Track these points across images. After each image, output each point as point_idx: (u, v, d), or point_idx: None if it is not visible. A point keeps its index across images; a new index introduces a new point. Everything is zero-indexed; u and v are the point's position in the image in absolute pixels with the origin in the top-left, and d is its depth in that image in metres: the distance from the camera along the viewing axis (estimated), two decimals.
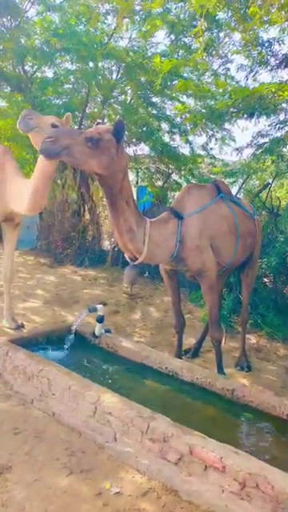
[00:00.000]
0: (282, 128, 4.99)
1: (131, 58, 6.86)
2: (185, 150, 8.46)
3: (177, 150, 8.59)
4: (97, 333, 3.80)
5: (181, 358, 3.92)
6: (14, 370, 3.15)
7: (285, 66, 4.70)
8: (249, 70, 4.97)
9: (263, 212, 6.14)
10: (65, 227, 8.39)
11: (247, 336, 4.96)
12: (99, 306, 3.76)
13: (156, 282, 7.14)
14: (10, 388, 3.18)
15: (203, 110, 5.08)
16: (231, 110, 3.98)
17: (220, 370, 3.68)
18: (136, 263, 3.18)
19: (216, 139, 8.22)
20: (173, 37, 5.87)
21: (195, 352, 4.50)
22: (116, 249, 8.14)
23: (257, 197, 6.19)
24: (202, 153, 8.25)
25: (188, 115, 5.66)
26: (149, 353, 3.46)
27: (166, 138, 8.86)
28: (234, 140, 7.99)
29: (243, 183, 5.90)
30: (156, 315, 5.67)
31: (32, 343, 3.60)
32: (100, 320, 3.77)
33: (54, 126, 3.47)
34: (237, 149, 6.10)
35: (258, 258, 4.39)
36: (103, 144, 2.69)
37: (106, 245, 8.73)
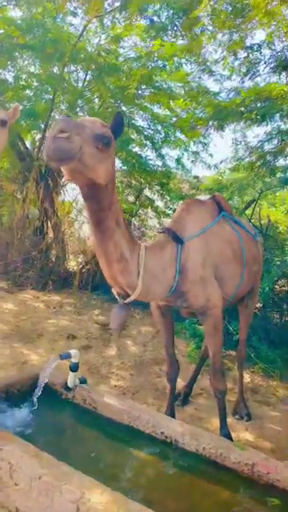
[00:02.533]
0: (273, 139, 4.55)
1: (103, 58, 6.28)
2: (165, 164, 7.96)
3: (149, 164, 8.10)
4: (70, 384, 3.08)
5: (174, 413, 3.27)
6: None
7: (283, 70, 4.30)
8: (242, 75, 4.52)
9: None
10: (25, 246, 7.56)
11: None
12: (73, 352, 3.04)
13: (130, 308, 6.46)
14: None
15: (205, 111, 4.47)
16: (241, 109, 3.47)
17: (223, 429, 3.06)
18: (127, 301, 2.50)
19: (191, 153, 7.83)
20: (153, 33, 5.33)
21: (185, 398, 3.87)
22: (84, 270, 7.42)
23: (243, 214, 5.74)
24: (177, 167, 7.80)
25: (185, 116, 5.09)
26: (139, 412, 2.77)
27: (137, 151, 8.36)
28: (210, 155, 7.61)
29: (228, 200, 5.44)
30: (134, 350, 4.99)
31: None
32: (74, 368, 3.06)
33: (3, 122, 2.85)
34: (220, 162, 5.64)
35: (259, 285, 3.86)
36: (112, 145, 2.06)
37: (72, 266, 7.97)
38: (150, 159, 7.87)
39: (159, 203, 8.12)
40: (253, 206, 6.13)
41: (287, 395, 4.22)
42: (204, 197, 3.69)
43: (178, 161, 8.04)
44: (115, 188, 2.28)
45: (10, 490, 2.17)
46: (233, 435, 3.19)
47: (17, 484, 2.15)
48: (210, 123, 3.99)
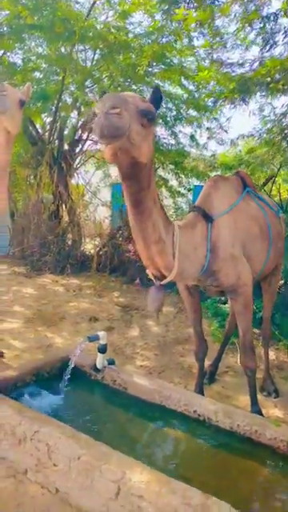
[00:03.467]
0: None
1: (114, 35, 6.11)
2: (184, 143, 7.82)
3: (162, 143, 7.95)
4: (98, 365, 3.08)
5: (203, 391, 3.26)
6: None
7: None
8: (260, 46, 4.34)
9: None
10: (41, 231, 7.56)
11: None
12: (101, 334, 3.03)
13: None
14: None
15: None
16: (267, 80, 3.36)
17: (255, 405, 3.04)
18: (164, 282, 2.44)
19: (207, 129, 7.66)
20: (165, 6, 5.12)
21: (211, 376, 3.85)
22: (101, 253, 7.40)
23: (262, 190, 5.61)
24: (191, 144, 7.66)
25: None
26: (170, 391, 2.76)
27: None
28: (225, 131, 7.44)
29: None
30: (156, 330, 4.99)
31: (18, 386, 2.85)
32: (102, 350, 3.05)
33: (22, 102, 2.84)
34: (237, 138, 5.49)
35: (282, 262, 3.78)
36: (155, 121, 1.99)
37: (89, 249, 7.95)
38: (163, 138, 7.72)
39: (173, 182, 8.01)
40: (271, 181, 6.00)
41: None
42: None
43: (192, 138, 7.89)
44: (152, 166, 2.20)
45: (49, 470, 2.19)
46: (263, 412, 3.18)
47: (55, 465, 2.17)
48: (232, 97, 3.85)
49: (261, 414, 2.99)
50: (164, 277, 2.41)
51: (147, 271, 2.50)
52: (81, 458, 2.06)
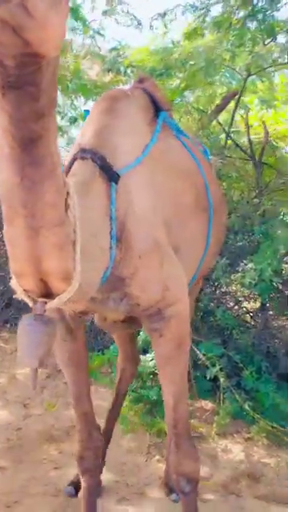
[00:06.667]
0: None
1: None
2: None
3: None
4: None
5: None
6: None
7: None
8: None
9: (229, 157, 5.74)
10: None
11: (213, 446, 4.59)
12: None
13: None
14: None
15: None
16: None
17: None
18: (56, 305, 2.35)
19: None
20: None
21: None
22: None
23: (212, 122, 5.78)
24: (75, 27, 7.77)
25: None
26: None
27: None
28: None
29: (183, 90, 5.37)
30: (4, 417, 5.01)
31: None
32: None
33: None
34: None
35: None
36: None
37: None
38: None
39: None
40: (234, 102, 6.11)
41: None
42: None
43: (75, 13, 7.98)
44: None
45: None
46: None
47: None
48: None
49: None
50: (49, 294, 2.35)
51: (15, 285, 2.39)
52: None
